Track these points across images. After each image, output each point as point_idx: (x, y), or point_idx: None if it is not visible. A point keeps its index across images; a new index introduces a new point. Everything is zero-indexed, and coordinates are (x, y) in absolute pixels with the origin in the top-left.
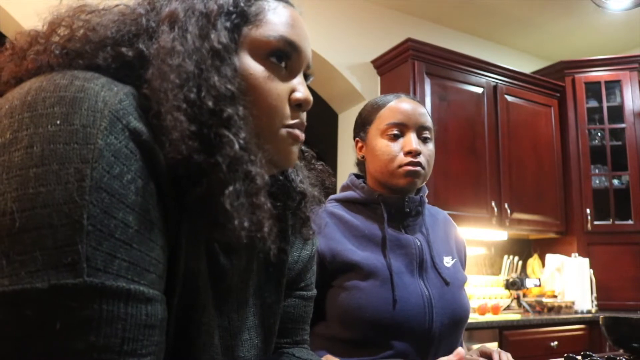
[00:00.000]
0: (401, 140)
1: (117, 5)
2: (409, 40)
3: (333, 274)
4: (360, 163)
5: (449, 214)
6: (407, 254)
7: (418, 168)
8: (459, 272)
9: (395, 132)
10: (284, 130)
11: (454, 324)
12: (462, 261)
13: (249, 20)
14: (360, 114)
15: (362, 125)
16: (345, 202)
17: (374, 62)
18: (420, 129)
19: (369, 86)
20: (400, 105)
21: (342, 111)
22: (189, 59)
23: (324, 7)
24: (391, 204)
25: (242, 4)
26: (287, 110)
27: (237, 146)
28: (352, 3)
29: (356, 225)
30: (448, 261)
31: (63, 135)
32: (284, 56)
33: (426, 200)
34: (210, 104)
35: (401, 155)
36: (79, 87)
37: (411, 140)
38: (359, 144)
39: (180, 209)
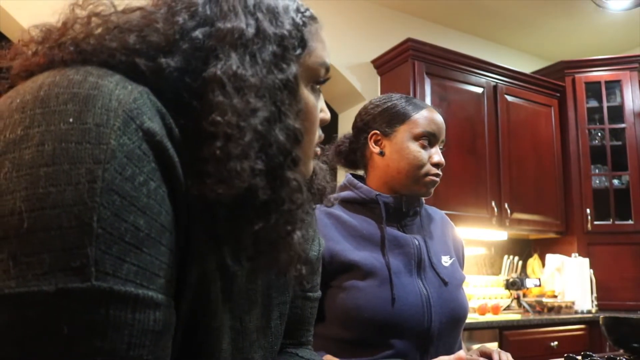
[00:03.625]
0: (429, 150)
1: (139, 9)
2: (409, 40)
3: (332, 274)
4: (361, 154)
5: (449, 214)
6: (405, 253)
7: (438, 179)
8: (457, 272)
9: (427, 140)
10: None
11: (453, 323)
12: (460, 260)
13: (306, 47)
14: (385, 109)
15: (390, 121)
16: (343, 202)
17: (374, 62)
18: (441, 143)
19: (369, 86)
20: (434, 116)
21: (342, 111)
22: (265, 94)
23: (324, 7)
24: (389, 203)
25: (302, 29)
26: (318, 132)
27: (295, 184)
28: (352, 3)
29: (354, 225)
30: (446, 260)
31: (75, 134)
32: (324, 81)
33: (424, 201)
34: (283, 144)
35: (429, 164)
36: (93, 84)
37: (438, 152)
38: (377, 137)
39: (190, 213)
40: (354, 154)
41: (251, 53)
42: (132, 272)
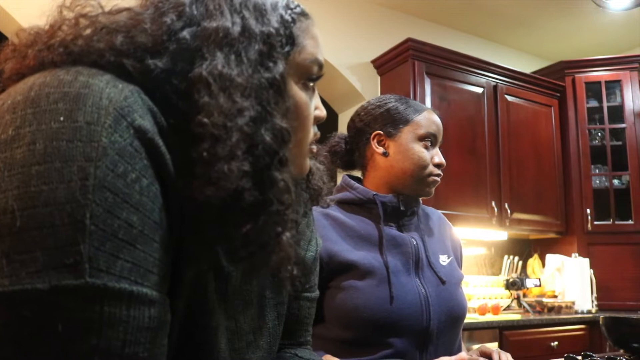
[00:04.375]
0: (431, 150)
1: (126, 9)
2: (409, 40)
3: (330, 275)
4: (359, 155)
5: (449, 214)
6: (403, 252)
7: (439, 180)
8: (455, 271)
9: (430, 142)
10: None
11: (452, 322)
12: (458, 260)
13: (295, 44)
14: (388, 109)
15: (394, 122)
16: (340, 203)
17: (374, 62)
18: (439, 144)
19: (369, 86)
20: (434, 118)
21: (342, 111)
22: (251, 93)
23: (324, 7)
24: (387, 203)
25: (291, 26)
26: (313, 130)
27: (283, 184)
28: (352, 3)
29: (352, 225)
30: (444, 259)
31: (66, 133)
32: (317, 78)
33: (421, 200)
34: (270, 144)
35: (431, 165)
36: (84, 83)
37: (439, 153)
38: (380, 138)
39: (182, 211)
40: (350, 155)
41: (237, 52)
42: (126, 269)
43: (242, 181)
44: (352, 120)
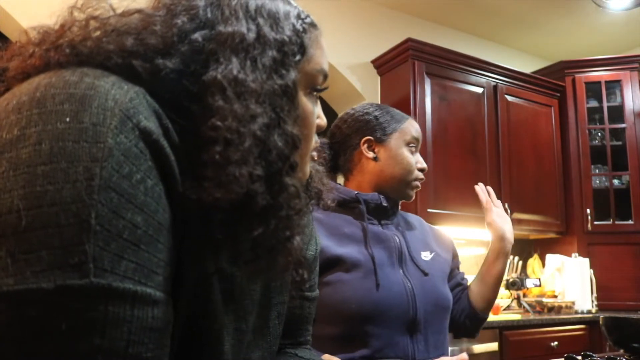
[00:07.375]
0: (415, 156)
1: (138, 11)
2: (409, 40)
3: (318, 271)
4: (346, 159)
5: (449, 214)
6: (387, 247)
7: (420, 185)
8: (438, 264)
9: (414, 147)
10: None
11: (438, 311)
12: (448, 255)
13: (305, 54)
14: (376, 117)
15: (383, 128)
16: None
17: (374, 62)
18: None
19: (369, 86)
20: (416, 125)
21: (342, 111)
22: (265, 99)
23: (324, 7)
24: (369, 200)
25: (302, 35)
26: (315, 138)
27: (293, 189)
28: (352, 3)
29: (335, 225)
30: (426, 255)
31: (72, 133)
32: (322, 89)
33: (400, 204)
34: (282, 150)
35: (416, 170)
36: (89, 85)
37: (421, 159)
38: (370, 143)
39: (187, 213)
40: (335, 160)
41: (252, 58)
42: (130, 269)
43: (254, 185)
44: (337, 127)
